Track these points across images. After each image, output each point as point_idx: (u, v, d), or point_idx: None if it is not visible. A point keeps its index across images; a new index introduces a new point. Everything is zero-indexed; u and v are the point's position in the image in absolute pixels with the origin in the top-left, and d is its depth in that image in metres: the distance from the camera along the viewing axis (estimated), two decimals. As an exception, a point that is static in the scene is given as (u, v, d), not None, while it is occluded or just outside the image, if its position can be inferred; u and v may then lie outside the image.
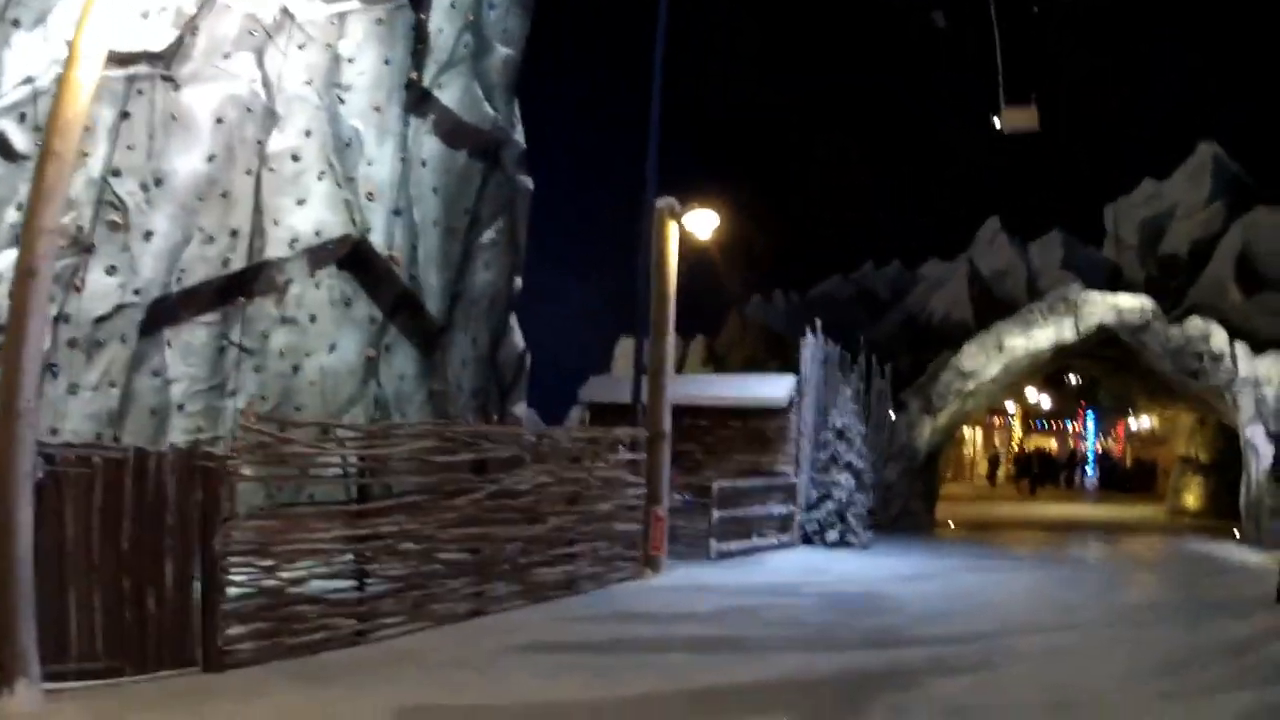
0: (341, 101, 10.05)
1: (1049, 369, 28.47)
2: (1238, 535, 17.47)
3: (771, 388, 15.71)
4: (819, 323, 16.79)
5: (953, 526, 21.01)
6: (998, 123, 14.98)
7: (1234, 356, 18.79)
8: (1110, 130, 32.47)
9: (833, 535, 15.17)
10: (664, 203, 12.58)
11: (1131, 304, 21.16)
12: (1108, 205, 28.38)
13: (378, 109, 10.32)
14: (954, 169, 35.04)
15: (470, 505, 8.88)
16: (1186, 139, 27.30)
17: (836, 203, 32.49)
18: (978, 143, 33.90)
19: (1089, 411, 41.26)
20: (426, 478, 8.66)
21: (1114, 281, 24.19)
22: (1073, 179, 32.28)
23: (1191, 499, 24.66)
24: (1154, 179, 27.50)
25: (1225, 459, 21.26)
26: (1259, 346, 19.02)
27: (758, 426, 15.38)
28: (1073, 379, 36.53)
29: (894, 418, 20.16)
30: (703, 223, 12.77)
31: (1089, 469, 39.94)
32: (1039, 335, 20.95)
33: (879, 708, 6.26)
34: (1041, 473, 35.62)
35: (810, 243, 32.72)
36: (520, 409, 12.75)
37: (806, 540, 15.18)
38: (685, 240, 12.73)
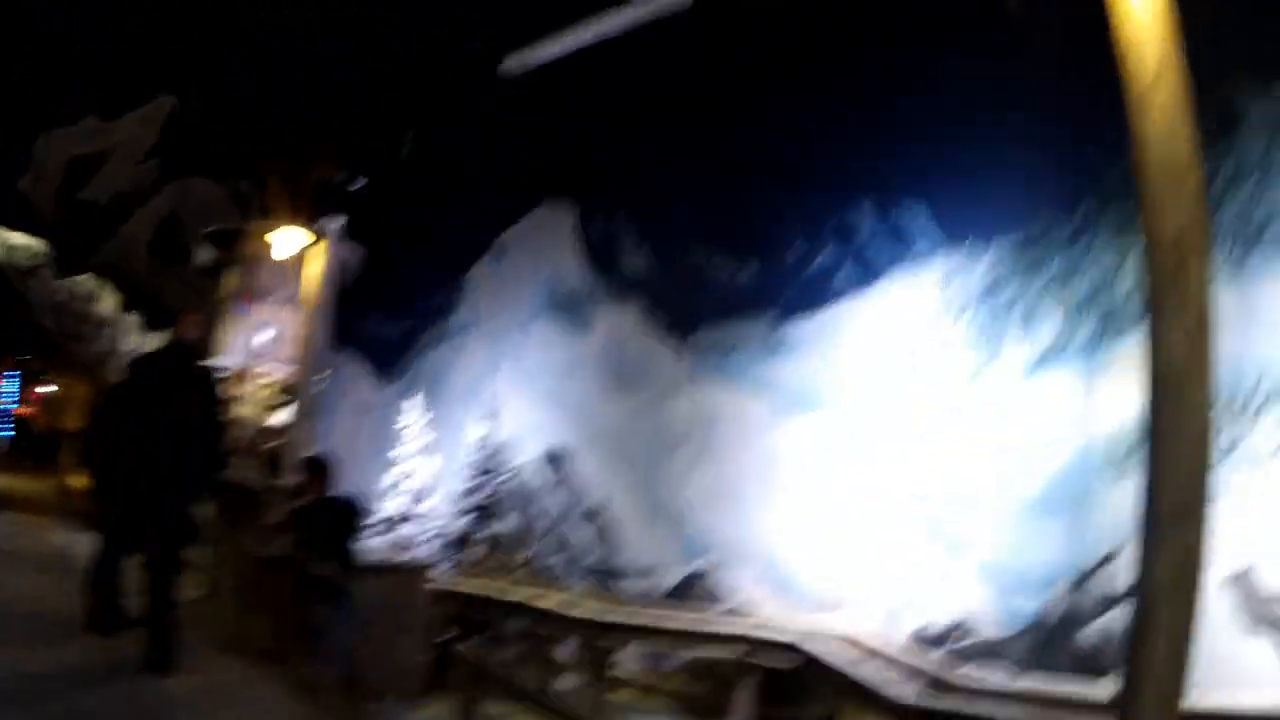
0: None
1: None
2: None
3: None
4: None
5: None
6: None
7: (120, 325, 16.46)
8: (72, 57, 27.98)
9: None
10: None
11: (24, 243, 17.43)
12: (44, 135, 23.95)
13: None
14: None
15: None
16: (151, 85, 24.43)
17: None
18: None
19: (13, 371, 36.28)
20: None
21: (21, 218, 19.88)
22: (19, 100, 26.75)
23: (85, 479, 21.93)
24: (102, 118, 24.06)
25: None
26: (161, 319, 17.00)
27: None
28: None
29: None
30: None
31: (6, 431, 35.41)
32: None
33: None
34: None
35: None
36: None
37: None
38: None
